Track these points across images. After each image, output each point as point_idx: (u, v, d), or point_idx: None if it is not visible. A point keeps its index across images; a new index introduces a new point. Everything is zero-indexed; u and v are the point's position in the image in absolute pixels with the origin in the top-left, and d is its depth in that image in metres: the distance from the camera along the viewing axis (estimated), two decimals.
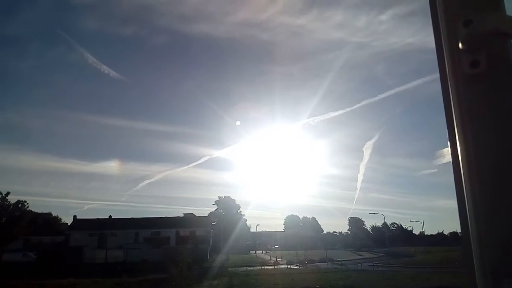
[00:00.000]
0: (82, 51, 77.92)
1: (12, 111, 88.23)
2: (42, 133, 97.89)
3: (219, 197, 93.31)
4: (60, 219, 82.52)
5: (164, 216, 68.18)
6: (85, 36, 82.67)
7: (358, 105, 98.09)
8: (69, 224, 68.68)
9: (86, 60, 77.47)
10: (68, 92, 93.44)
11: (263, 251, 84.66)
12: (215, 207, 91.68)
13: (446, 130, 0.84)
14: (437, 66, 0.89)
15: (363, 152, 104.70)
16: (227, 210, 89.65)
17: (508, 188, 0.68)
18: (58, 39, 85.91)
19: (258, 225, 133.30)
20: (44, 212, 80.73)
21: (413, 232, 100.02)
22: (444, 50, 0.87)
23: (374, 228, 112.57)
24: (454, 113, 0.83)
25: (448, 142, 0.83)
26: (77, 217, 66.59)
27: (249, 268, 44.99)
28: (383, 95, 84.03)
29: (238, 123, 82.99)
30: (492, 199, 0.69)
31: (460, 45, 0.82)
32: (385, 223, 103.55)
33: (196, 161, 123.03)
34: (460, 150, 0.78)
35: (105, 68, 77.32)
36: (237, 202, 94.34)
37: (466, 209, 0.75)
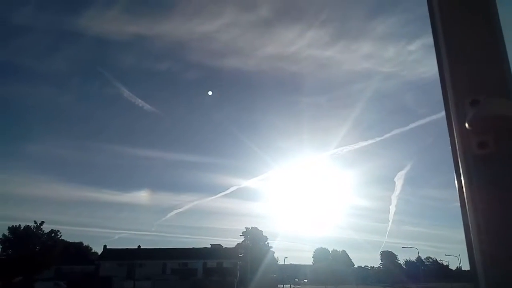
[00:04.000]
0: (118, 86, 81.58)
1: (49, 143, 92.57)
2: (76, 164, 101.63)
3: (246, 228, 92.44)
4: (91, 249, 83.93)
5: (191, 247, 68.00)
6: (122, 71, 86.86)
7: (388, 134, 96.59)
8: (99, 253, 69.60)
9: (122, 94, 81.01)
10: (104, 124, 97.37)
11: (292, 285, 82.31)
12: (242, 238, 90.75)
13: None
14: (449, 142, 0.90)
15: (394, 182, 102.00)
16: (254, 241, 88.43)
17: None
18: (97, 75, 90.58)
19: (286, 257, 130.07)
20: (75, 241, 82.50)
21: (449, 267, 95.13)
22: (454, 129, 0.88)
23: (407, 262, 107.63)
24: (465, 192, 0.84)
25: (461, 218, 0.84)
26: (107, 247, 67.50)
27: None
28: (413, 125, 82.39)
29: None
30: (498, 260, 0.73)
31: (466, 125, 0.83)
32: (419, 257, 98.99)
33: (224, 191, 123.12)
34: (471, 228, 0.80)
35: (139, 102, 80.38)
36: (264, 234, 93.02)
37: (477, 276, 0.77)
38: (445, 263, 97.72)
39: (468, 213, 0.81)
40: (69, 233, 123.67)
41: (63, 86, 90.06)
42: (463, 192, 0.84)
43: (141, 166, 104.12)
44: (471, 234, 0.80)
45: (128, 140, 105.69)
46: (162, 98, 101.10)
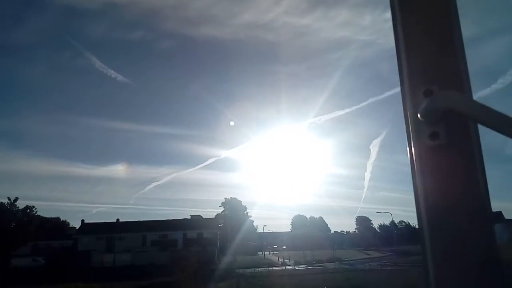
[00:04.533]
0: (90, 56, 78.53)
1: (21, 117, 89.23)
2: (50, 138, 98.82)
3: (225, 198, 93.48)
4: (68, 224, 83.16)
5: (171, 218, 68.33)
6: (93, 41, 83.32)
7: (365, 103, 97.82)
8: (77, 228, 69.17)
9: (94, 65, 78.10)
10: (76, 97, 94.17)
11: (270, 252, 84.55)
12: (222, 208, 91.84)
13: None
14: (405, 131, 0.92)
15: (370, 150, 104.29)
16: (233, 211, 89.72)
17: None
18: (67, 45, 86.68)
19: (265, 225, 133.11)
20: (52, 216, 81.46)
21: None
22: (408, 118, 0.90)
23: (381, 226, 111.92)
24: (417, 179, 0.87)
25: (414, 201, 0.89)
26: (85, 221, 67.10)
27: (256, 269, 44.95)
28: (389, 93, 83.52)
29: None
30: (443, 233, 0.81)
31: (419, 116, 0.85)
32: (392, 222, 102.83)
33: (203, 163, 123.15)
34: (422, 212, 0.86)
35: (112, 73, 77.81)
36: (243, 203, 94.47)
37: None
38: (417, 226, 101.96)
39: (419, 197, 0.86)
40: (45, 209, 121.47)
41: (32, 57, 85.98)
42: (415, 178, 0.88)
43: (116, 139, 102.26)
44: (422, 213, 0.86)
45: (102, 112, 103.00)
46: (135, 69, 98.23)
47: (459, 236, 0.79)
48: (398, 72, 0.96)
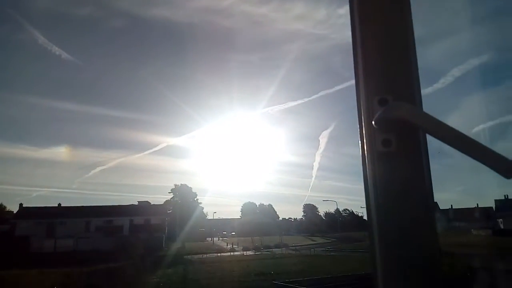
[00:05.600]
0: (32, 30, 73.10)
1: None
2: None
3: (175, 185, 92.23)
4: (5, 207, 78.30)
5: (117, 204, 66.39)
6: (35, 15, 77.53)
7: (316, 95, 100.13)
8: (14, 212, 65.29)
9: (36, 40, 72.89)
10: (16, 73, 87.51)
11: (220, 238, 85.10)
12: (171, 195, 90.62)
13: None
14: (359, 137, 0.97)
15: (319, 141, 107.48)
16: (183, 198, 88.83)
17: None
18: (6, 17, 80.00)
19: (215, 212, 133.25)
20: None
21: (364, 217, 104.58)
22: (363, 124, 0.95)
23: (327, 214, 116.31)
24: (369, 183, 0.93)
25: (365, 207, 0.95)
26: (24, 205, 63.39)
27: (205, 255, 45.10)
28: (339, 87, 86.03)
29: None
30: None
31: (373, 123, 0.90)
32: (337, 210, 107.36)
33: (152, 148, 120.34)
34: (372, 217, 0.91)
35: (56, 49, 73.12)
36: (194, 190, 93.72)
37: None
38: (360, 214, 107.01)
39: (370, 198, 0.92)
40: None
41: None
42: (367, 182, 0.93)
43: (59, 120, 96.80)
44: (372, 213, 0.92)
45: (45, 91, 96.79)
46: (82, 47, 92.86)
47: (404, 227, 0.87)
48: (354, 78, 1.00)
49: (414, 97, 0.93)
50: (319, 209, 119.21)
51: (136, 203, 70.07)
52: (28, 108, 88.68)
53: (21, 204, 63.68)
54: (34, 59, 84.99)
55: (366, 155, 0.94)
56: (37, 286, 22.62)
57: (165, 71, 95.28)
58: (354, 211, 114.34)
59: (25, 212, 60.46)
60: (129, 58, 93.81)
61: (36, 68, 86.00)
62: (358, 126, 0.97)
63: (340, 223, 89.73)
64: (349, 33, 1.02)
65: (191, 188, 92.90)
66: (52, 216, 58.65)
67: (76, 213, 59.87)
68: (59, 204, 64.21)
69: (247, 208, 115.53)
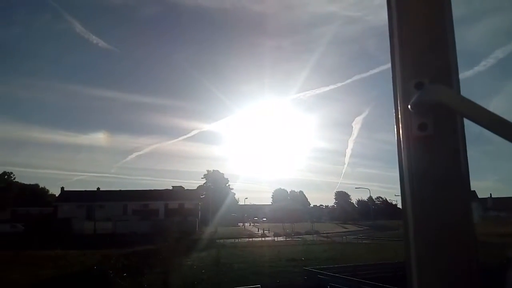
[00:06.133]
0: (70, 20, 75.69)
1: None
2: (30, 104, 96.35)
3: (208, 170, 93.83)
4: (48, 191, 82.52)
5: (153, 189, 68.42)
6: (74, 4, 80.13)
7: (349, 80, 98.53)
8: (56, 195, 68.65)
9: (74, 29, 75.41)
10: (56, 62, 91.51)
11: (251, 224, 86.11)
12: (204, 180, 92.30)
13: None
14: (394, 121, 0.96)
15: (352, 127, 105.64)
16: (215, 183, 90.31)
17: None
18: (46, 7, 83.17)
19: (246, 198, 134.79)
20: (31, 183, 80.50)
21: (398, 206, 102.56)
22: (399, 108, 0.94)
23: (360, 201, 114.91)
24: (404, 168, 0.92)
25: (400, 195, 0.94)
26: (65, 189, 66.57)
27: (236, 240, 45.83)
28: (374, 71, 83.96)
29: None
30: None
31: (409, 107, 0.90)
32: (370, 197, 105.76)
33: (185, 135, 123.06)
34: (407, 204, 0.91)
35: (94, 38, 75.38)
36: (226, 176, 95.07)
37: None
38: (394, 203, 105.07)
39: (404, 184, 0.91)
40: (24, 175, 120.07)
41: (9, 18, 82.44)
42: (402, 168, 0.92)
43: (98, 107, 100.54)
44: (406, 200, 0.91)
45: (83, 79, 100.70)
46: (118, 35, 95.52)
47: (440, 215, 0.86)
48: (390, 63, 0.99)
49: (452, 80, 0.91)
50: (351, 197, 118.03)
51: (171, 188, 71.97)
52: (67, 95, 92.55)
53: (62, 188, 66.98)
54: (72, 48, 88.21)
55: (401, 140, 0.93)
56: (79, 266, 23.86)
57: (198, 57, 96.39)
58: (388, 199, 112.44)
59: (67, 196, 63.58)
60: (163, 45, 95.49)
61: (75, 57, 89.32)
62: (394, 110, 0.96)
63: (373, 211, 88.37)
64: (385, 15, 1.01)
65: (223, 174, 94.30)
66: (92, 200, 61.34)
67: (114, 197, 62.32)
68: (98, 188, 66.99)
69: (278, 195, 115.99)
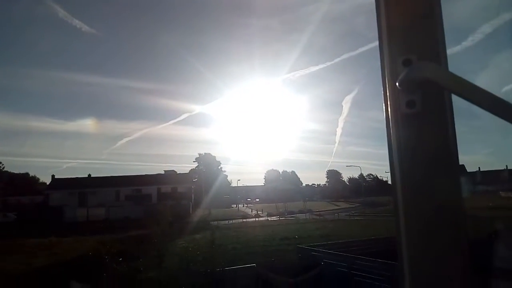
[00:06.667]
0: (52, 4, 73.51)
1: None
2: (14, 93, 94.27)
3: (199, 154, 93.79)
4: (38, 179, 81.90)
5: (144, 173, 68.24)
6: None
7: (338, 59, 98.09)
8: (47, 184, 68.15)
9: (57, 14, 73.45)
10: (39, 48, 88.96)
11: (244, 205, 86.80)
12: (196, 164, 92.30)
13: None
14: (382, 99, 0.96)
15: (342, 106, 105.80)
16: (207, 166, 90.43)
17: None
18: None
19: (239, 180, 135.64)
20: (21, 172, 79.71)
21: (388, 182, 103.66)
22: (387, 85, 0.95)
23: (351, 179, 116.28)
24: (392, 147, 0.93)
25: (389, 169, 0.95)
26: (56, 177, 66.04)
27: (230, 221, 46.26)
28: (363, 49, 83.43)
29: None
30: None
31: (397, 84, 0.90)
32: (361, 175, 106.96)
33: (175, 118, 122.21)
34: (397, 181, 0.92)
35: (76, 22, 73.58)
36: (217, 159, 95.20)
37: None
38: (384, 179, 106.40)
39: (393, 162, 0.92)
40: (13, 164, 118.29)
41: None
42: (391, 145, 0.93)
43: (85, 92, 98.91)
44: (396, 177, 0.92)
45: (68, 65, 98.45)
46: (102, 19, 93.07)
47: (429, 190, 0.87)
48: (378, 40, 0.98)
49: (439, 56, 0.91)
50: (342, 175, 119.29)
51: (163, 172, 71.85)
52: (53, 82, 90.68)
53: (53, 176, 66.40)
54: (55, 33, 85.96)
55: (390, 117, 0.94)
56: (74, 252, 23.91)
57: (185, 38, 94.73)
58: (378, 176, 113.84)
59: (58, 183, 63.09)
60: (150, 26, 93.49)
61: (58, 42, 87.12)
62: (382, 88, 0.96)
63: (364, 188, 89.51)
64: None
65: (214, 157, 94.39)
66: (83, 187, 60.99)
67: (106, 183, 62.01)
68: (89, 175, 66.61)
69: (271, 175, 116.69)
